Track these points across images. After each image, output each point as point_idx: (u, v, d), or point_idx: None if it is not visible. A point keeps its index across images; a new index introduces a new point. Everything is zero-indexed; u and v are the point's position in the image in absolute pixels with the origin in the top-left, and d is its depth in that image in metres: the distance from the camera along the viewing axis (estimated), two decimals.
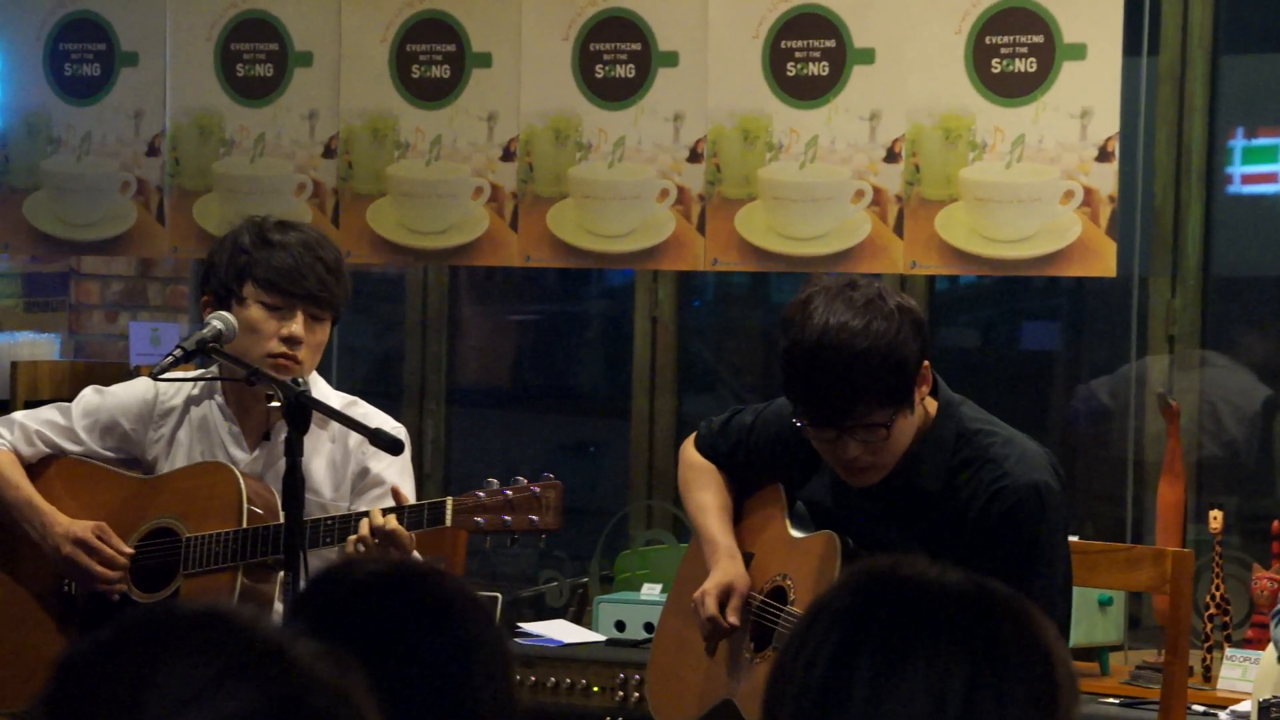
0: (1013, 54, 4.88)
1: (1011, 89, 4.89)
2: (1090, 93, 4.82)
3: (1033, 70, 4.87)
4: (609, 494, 5.79)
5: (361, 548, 3.63)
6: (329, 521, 3.70)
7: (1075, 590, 3.50)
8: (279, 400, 3.50)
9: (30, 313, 5.92)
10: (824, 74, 5.05)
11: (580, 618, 5.27)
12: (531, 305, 6.22)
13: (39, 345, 5.64)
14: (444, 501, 3.66)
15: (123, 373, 5.03)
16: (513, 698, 1.89)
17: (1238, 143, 5.26)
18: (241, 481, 3.80)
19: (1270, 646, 4.05)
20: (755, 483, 3.68)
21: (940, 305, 5.60)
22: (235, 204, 5.44)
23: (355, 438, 3.81)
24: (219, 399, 3.93)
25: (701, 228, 5.16)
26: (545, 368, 6.18)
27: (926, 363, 3.33)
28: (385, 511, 3.67)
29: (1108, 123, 4.81)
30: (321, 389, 3.90)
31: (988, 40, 4.90)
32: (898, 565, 1.69)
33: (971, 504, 3.35)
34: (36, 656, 3.89)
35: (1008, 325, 5.90)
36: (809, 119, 5.07)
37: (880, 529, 3.44)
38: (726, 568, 3.57)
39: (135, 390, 4.02)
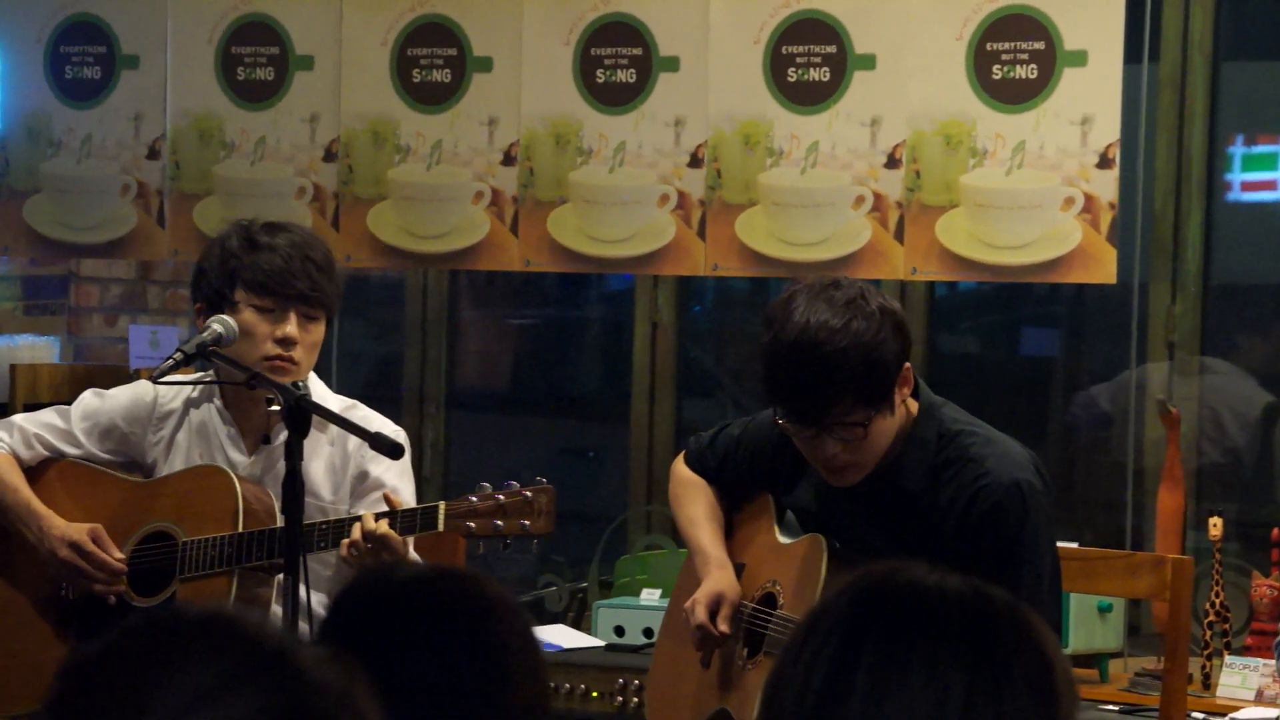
0: (1014, 60, 4.89)
1: (1012, 95, 4.90)
2: (1091, 99, 4.83)
3: (1033, 77, 4.88)
4: (608, 499, 5.79)
5: (354, 552, 3.64)
6: (323, 526, 3.71)
7: (1075, 597, 3.51)
8: (279, 404, 3.50)
9: (30, 315, 5.93)
10: (825, 80, 5.06)
11: (579, 623, 5.27)
12: (531, 310, 6.22)
13: (38, 348, 5.64)
14: (436, 506, 3.66)
15: (122, 376, 5.03)
16: (547, 700, 1.90)
17: (1238, 150, 5.27)
18: (238, 485, 3.80)
19: None
20: (745, 494, 3.70)
21: (940, 311, 5.61)
22: (235, 207, 5.44)
23: (355, 440, 3.81)
24: (218, 402, 3.94)
25: (702, 233, 5.17)
26: (545, 372, 6.18)
27: (908, 364, 3.35)
28: (378, 516, 3.67)
29: (1108, 129, 4.82)
30: (320, 391, 3.91)
31: (989, 46, 4.91)
32: (896, 571, 1.69)
33: (954, 504, 3.36)
34: (34, 660, 3.89)
35: (1008, 332, 5.90)
36: (810, 124, 5.08)
37: (865, 531, 3.45)
38: (717, 577, 3.58)
39: (134, 393, 4.02)
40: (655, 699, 3.81)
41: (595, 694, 4.84)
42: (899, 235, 4.99)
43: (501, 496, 3.65)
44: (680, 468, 3.76)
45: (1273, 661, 4.46)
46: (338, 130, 5.48)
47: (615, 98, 5.24)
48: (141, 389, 4.03)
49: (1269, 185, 5.29)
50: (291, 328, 3.80)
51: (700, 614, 3.54)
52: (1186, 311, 5.15)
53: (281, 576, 3.74)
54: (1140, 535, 5.08)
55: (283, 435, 3.55)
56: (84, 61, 5.71)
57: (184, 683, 1.40)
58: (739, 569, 3.64)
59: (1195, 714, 4.39)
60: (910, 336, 3.36)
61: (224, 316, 3.79)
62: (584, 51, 5.26)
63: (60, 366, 5.65)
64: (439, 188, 5.39)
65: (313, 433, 3.75)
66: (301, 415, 3.46)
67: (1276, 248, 5.28)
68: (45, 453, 4.00)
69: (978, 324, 5.96)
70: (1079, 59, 4.83)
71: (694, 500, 3.70)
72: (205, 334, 3.77)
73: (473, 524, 3.64)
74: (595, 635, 5.05)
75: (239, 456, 3.92)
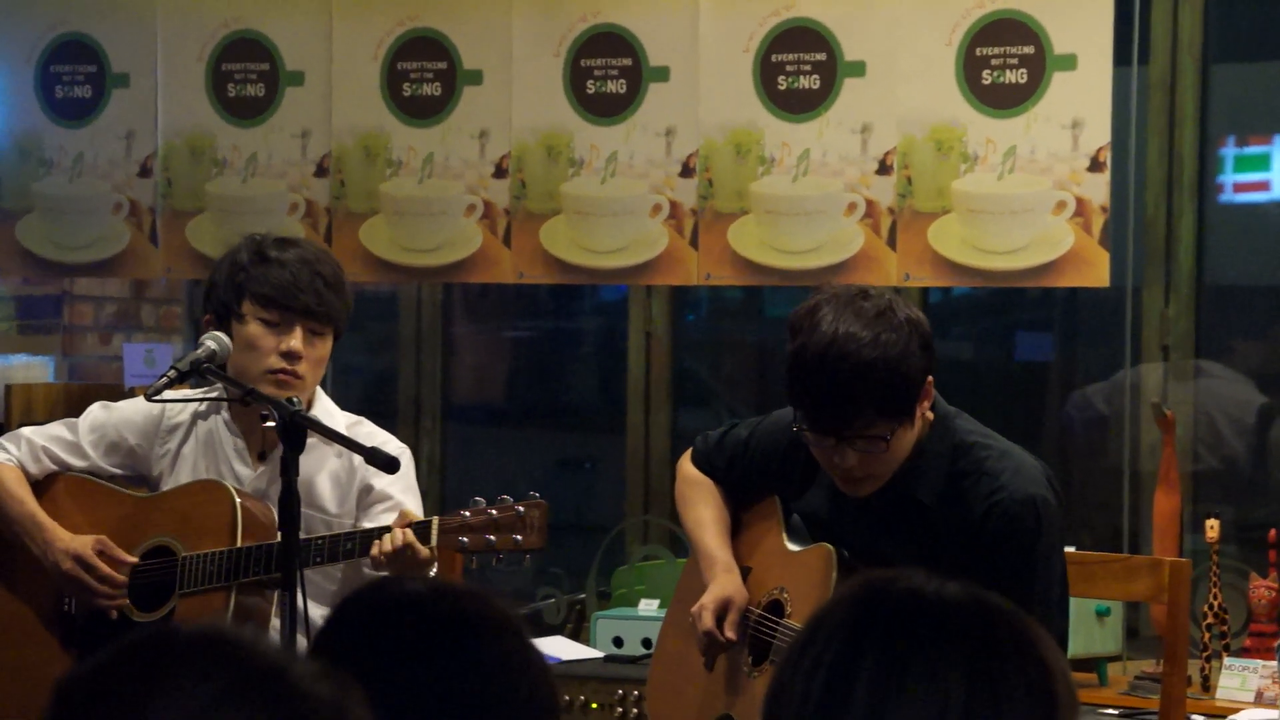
0: (1003, 65, 4.89)
1: (1002, 100, 4.90)
2: (1081, 103, 4.83)
3: (1023, 81, 4.88)
4: (605, 509, 5.79)
5: (383, 559, 3.64)
6: (319, 541, 3.70)
7: (1073, 600, 3.50)
8: (273, 420, 3.50)
9: (24, 335, 5.92)
10: (815, 87, 5.06)
11: (578, 634, 5.27)
12: (526, 322, 6.22)
13: (33, 367, 5.64)
14: (429, 521, 3.66)
15: (117, 394, 5.02)
16: (557, 715, 1.89)
17: (1229, 151, 5.27)
18: (236, 500, 3.80)
19: None
20: (752, 496, 3.68)
21: (934, 317, 5.58)
22: (228, 224, 5.44)
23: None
24: (225, 414, 3.94)
25: (694, 242, 5.17)
26: (540, 384, 6.18)
27: (930, 377, 3.33)
28: (380, 533, 3.66)
29: (1099, 133, 4.82)
30: (326, 406, 3.91)
31: (978, 52, 4.91)
32: (896, 578, 1.69)
33: (967, 517, 3.35)
34: (36, 675, 3.89)
35: (1002, 336, 5.90)
36: (800, 132, 5.08)
37: (876, 541, 3.44)
38: (724, 582, 3.57)
39: (142, 407, 4.02)
40: (657, 702, 3.80)
41: (595, 705, 4.84)
42: (891, 241, 4.99)
43: (494, 511, 3.64)
44: (687, 466, 3.73)
45: (1273, 663, 4.46)
46: (329, 145, 5.47)
47: (606, 108, 5.24)
48: (149, 403, 4.03)
49: (1261, 186, 5.29)
50: (296, 342, 3.80)
51: (708, 620, 3.52)
52: (1180, 314, 5.14)
53: (279, 591, 3.74)
54: (1137, 538, 5.08)
55: (279, 450, 3.54)
56: (75, 80, 5.71)
57: (180, 700, 1.40)
58: (745, 572, 3.62)
59: (1195, 716, 4.39)
60: (933, 348, 3.33)
61: (218, 333, 3.79)
62: (574, 63, 5.25)
63: (55, 385, 5.65)
64: (431, 201, 5.39)
65: (319, 445, 3.75)
66: (296, 431, 3.45)
67: (1269, 249, 5.28)
68: (52, 466, 4.00)
69: (971, 329, 5.96)
70: (1068, 63, 4.84)
71: (701, 501, 3.67)
72: (199, 350, 3.77)
73: (465, 539, 3.63)
74: (594, 646, 5.05)
75: (245, 469, 3.92)
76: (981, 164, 4.91)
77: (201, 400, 3.91)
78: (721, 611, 3.53)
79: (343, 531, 3.74)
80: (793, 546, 3.59)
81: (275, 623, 3.75)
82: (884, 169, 4.99)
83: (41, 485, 4.00)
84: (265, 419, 3.61)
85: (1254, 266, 5.31)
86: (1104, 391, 5.29)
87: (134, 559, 3.87)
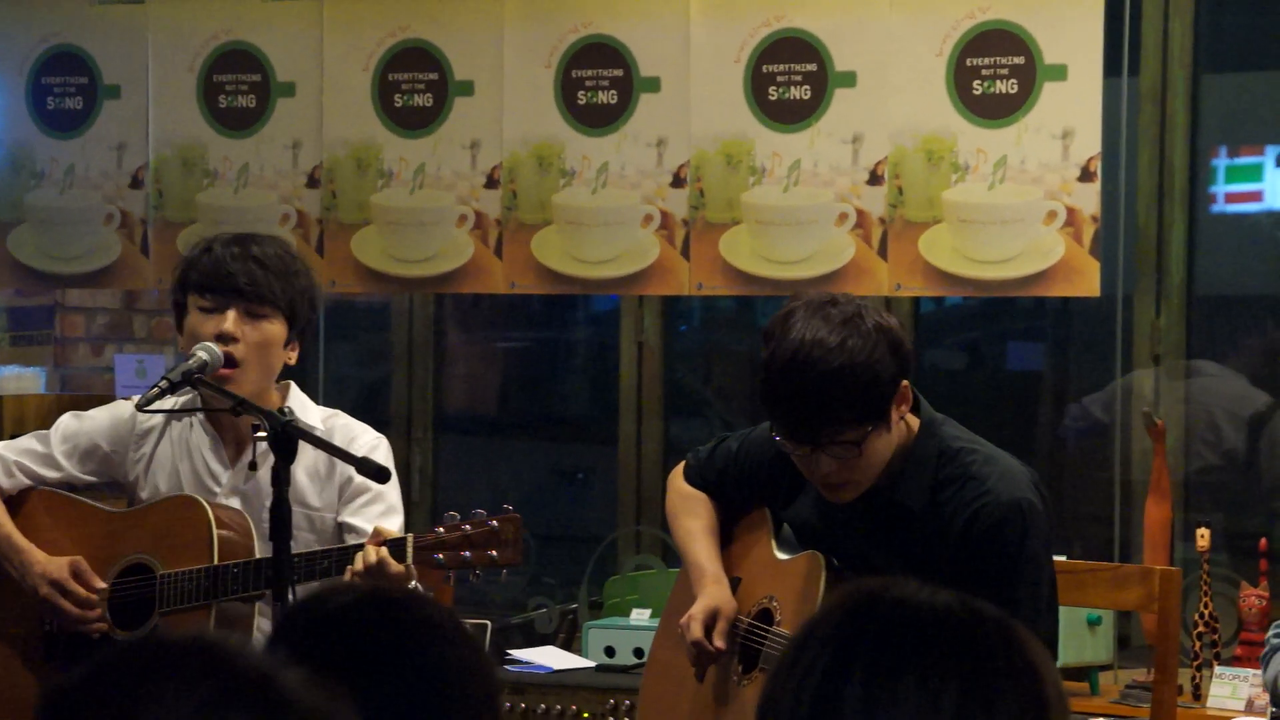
0: (994, 75, 4.90)
1: (993, 110, 4.91)
2: (1072, 113, 4.83)
3: (1014, 91, 4.89)
4: (597, 520, 5.79)
5: (359, 578, 3.62)
6: (295, 559, 3.66)
7: (1063, 610, 3.49)
8: (264, 430, 3.49)
9: (15, 346, 5.92)
10: (806, 97, 5.06)
11: (570, 644, 5.26)
12: (518, 332, 6.22)
13: (24, 379, 5.63)
14: (404, 539, 3.64)
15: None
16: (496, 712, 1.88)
17: (1221, 161, 5.28)
18: (210, 516, 3.78)
19: None
20: (743, 508, 3.69)
21: (926, 327, 5.61)
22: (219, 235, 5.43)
23: (338, 438, 3.80)
24: (199, 414, 3.92)
25: (686, 252, 5.17)
26: (532, 394, 6.18)
27: (906, 382, 3.33)
28: (380, 544, 3.64)
29: (1089, 143, 4.82)
30: (300, 401, 3.89)
31: (968, 62, 4.92)
32: (886, 587, 1.69)
33: (953, 522, 3.35)
34: (21, 697, 3.87)
35: (993, 346, 5.90)
36: (792, 142, 5.08)
37: (864, 547, 3.44)
38: (712, 592, 3.57)
39: (113, 412, 4.01)
40: (649, 713, 3.79)
41: (586, 715, 4.83)
42: (883, 251, 4.99)
43: (468, 527, 3.62)
44: (678, 481, 3.74)
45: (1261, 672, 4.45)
46: (320, 156, 5.47)
47: (597, 119, 5.24)
48: (120, 409, 4.01)
49: (1253, 197, 5.30)
50: (228, 324, 3.77)
51: (696, 630, 3.52)
52: (1171, 324, 5.15)
53: (260, 604, 3.72)
54: (1128, 547, 5.08)
55: (269, 459, 3.53)
56: (66, 92, 5.71)
57: (167, 708, 1.39)
58: (735, 583, 3.62)
59: None
60: (908, 354, 3.33)
61: (209, 344, 3.78)
62: (565, 74, 5.26)
63: (47, 397, 5.64)
64: (422, 212, 5.39)
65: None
66: (288, 441, 3.44)
67: (1261, 259, 5.28)
68: (27, 481, 3.97)
69: (963, 339, 5.96)
70: (1059, 73, 4.84)
71: (691, 513, 3.68)
72: (191, 361, 3.75)
73: (441, 555, 3.62)
74: (586, 656, 5.05)
75: (221, 469, 3.90)
76: (972, 174, 4.92)
77: (183, 412, 3.89)
78: (710, 622, 3.53)
79: (322, 549, 3.72)
80: (782, 555, 3.59)
81: (261, 620, 3.75)
82: (875, 179, 4.99)
83: (16, 502, 3.97)
84: (256, 429, 3.60)
85: (1246, 276, 5.32)
86: (1101, 401, 5.29)
87: (105, 585, 3.85)
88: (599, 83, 5.23)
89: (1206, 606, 4.67)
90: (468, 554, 3.61)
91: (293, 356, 3.89)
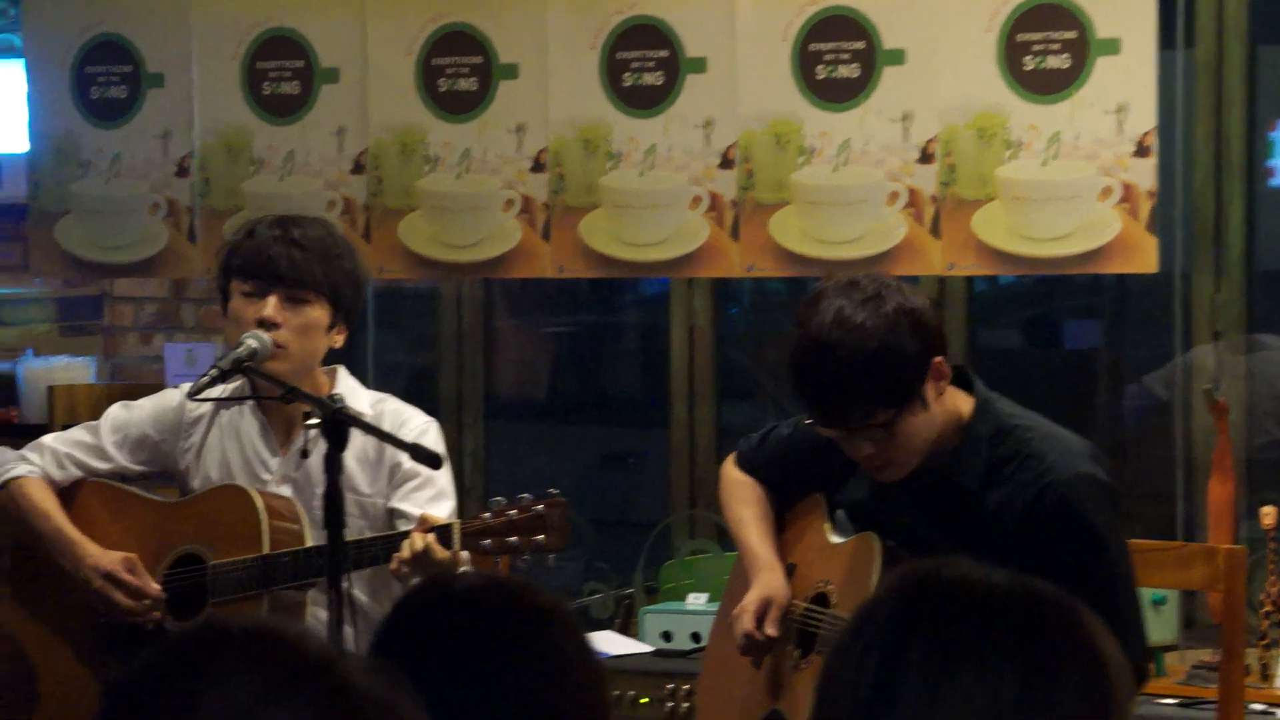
0: (1045, 51, 4.88)
1: (1045, 86, 4.89)
2: (1126, 88, 4.81)
3: (1066, 66, 4.86)
4: (650, 504, 5.79)
5: (404, 568, 3.64)
6: (355, 546, 3.68)
7: None
8: (315, 416, 3.50)
9: (65, 336, 5.96)
10: (854, 76, 5.05)
11: (626, 629, 5.27)
12: (567, 316, 6.23)
13: (74, 369, 5.66)
14: (450, 525, 3.65)
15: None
16: (607, 710, 1.90)
17: (1278, 134, 5.25)
18: (259, 505, 3.79)
19: None
20: (796, 494, 3.69)
21: (981, 306, 5.59)
22: None
23: (388, 422, 3.81)
24: (249, 401, 3.93)
25: (735, 234, 5.16)
26: (582, 379, 6.19)
27: (938, 359, 3.31)
28: (427, 531, 3.65)
29: (1144, 117, 4.80)
30: (349, 386, 3.90)
31: (1019, 38, 4.90)
32: (942, 566, 1.69)
33: (1014, 501, 3.34)
34: (77, 689, 3.89)
35: (1049, 325, 5.89)
36: (841, 122, 5.07)
37: (919, 528, 3.44)
38: (765, 580, 3.57)
39: (163, 401, 4.02)
40: (706, 702, 3.81)
41: (644, 700, 4.85)
42: (935, 230, 4.98)
43: (514, 512, 3.63)
44: (730, 469, 3.75)
45: None
46: (365, 142, 5.49)
47: (643, 100, 5.24)
48: (168, 397, 4.03)
49: None
50: (269, 309, 3.78)
51: (747, 622, 3.53)
52: (1230, 299, 5.12)
53: (312, 591, 3.74)
54: (1192, 526, 5.05)
55: (320, 446, 3.54)
56: (110, 81, 5.73)
57: (229, 697, 1.41)
58: (790, 569, 3.63)
59: (1254, 705, 4.37)
60: (934, 331, 3.31)
61: (259, 332, 3.80)
62: (610, 55, 5.26)
63: (97, 386, 5.67)
64: (469, 197, 5.40)
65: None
66: (339, 428, 3.46)
67: None
68: (78, 472, 3.99)
69: (1019, 318, 5.94)
70: (1112, 47, 4.82)
71: (743, 501, 3.69)
72: (240, 349, 3.77)
73: (487, 542, 3.63)
74: (642, 641, 5.07)
75: (271, 456, 3.92)
76: (1025, 150, 4.90)
77: (233, 400, 3.91)
78: (762, 610, 3.54)
79: (369, 537, 3.73)
80: (836, 539, 3.59)
81: (313, 617, 3.77)
82: (926, 157, 4.97)
83: (68, 494, 4.00)
84: (308, 417, 3.62)
85: None
86: (1161, 379, 5.26)
87: (158, 586, 3.88)
88: (645, 64, 5.23)
89: (1273, 585, 4.65)
90: (514, 539, 3.62)
91: (339, 340, 3.90)
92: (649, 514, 5.72)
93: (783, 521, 3.71)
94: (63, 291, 6.03)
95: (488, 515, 3.64)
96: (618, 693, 4.87)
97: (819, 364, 3.25)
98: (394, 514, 3.86)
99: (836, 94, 5.06)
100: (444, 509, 3.82)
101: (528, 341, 6.23)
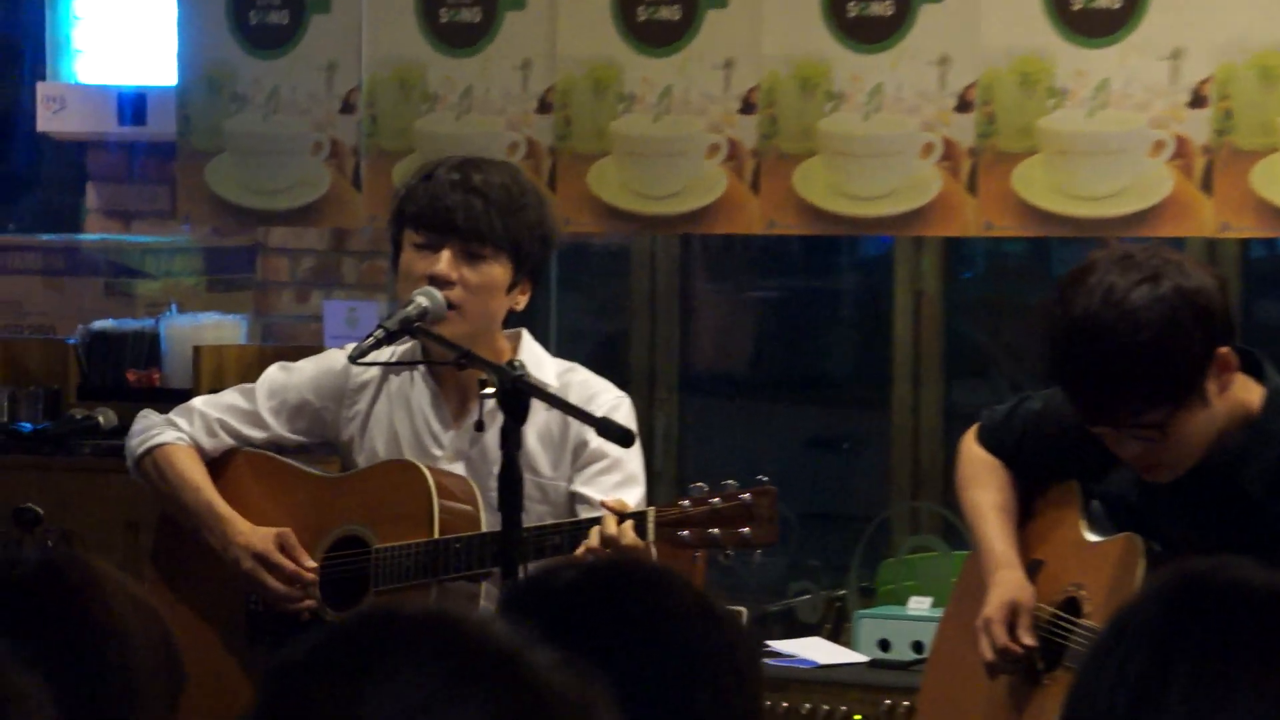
0: None
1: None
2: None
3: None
4: (868, 495, 5.77)
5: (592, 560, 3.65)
6: (536, 533, 3.69)
7: None
8: (493, 386, 3.52)
9: (213, 292, 6.04)
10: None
11: (837, 635, 5.26)
12: (775, 280, 6.21)
13: (224, 328, 5.74)
14: (645, 513, 3.65)
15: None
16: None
17: None
18: (432, 485, 3.82)
19: None
20: (1047, 480, 3.65)
21: (1257, 275, 5.50)
22: None
23: (574, 395, 3.81)
24: (420, 366, 3.95)
25: (972, 186, 5.12)
26: (792, 351, 6.17)
27: (1224, 349, 3.26)
28: (621, 519, 3.65)
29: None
30: (534, 353, 3.91)
31: None
32: (1217, 568, 1.66)
33: None
34: (221, 684, 3.94)
35: None
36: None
37: (1193, 534, 3.39)
38: (1007, 581, 3.55)
39: (325, 364, 4.06)
40: (931, 709, 3.79)
41: (857, 717, 4.84)
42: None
43: (717, 500, 3.62)
44: (971, 446, 3.70)
45: None
46: (553, 78, 5.51)
47: (870, 35, 5.20)
48: (331, 360, 4.06)
49: None
50: (442, 264, 3.81)
51: (999, 634, 3.48)
52: None
53: (486, 584, 3.77)
54: None
55: (497, 419, 3.56)
56: (270, 6, 5.80)
57: (400, 690, 1.41)
58: (1036, 566, 3.61)
59: None
60: (1220, 317, 3.27)
61: (431, 289, 3.82)
62: None
63: (249, 348, 5.74)
64: (669, 141, 5.40)
65: None
66: (519, 398, 3.48)
67: None
68: (230, 440, 4.05)
69: None
70: None
71: (983, 484, 3.65)
72: (410, 308, 3.80)
73: (686, 533, 3.63)
74: (856, 650, 5.05)
75: (442, 429, 3.93)
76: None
77: (401, 365, 3.93)
78: (1011, 618, 3.50)
79: (549, 523, 3.74)
80: (1092, 537, 3.56)
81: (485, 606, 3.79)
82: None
83: (219, 465, 4.06)
84: (483, 386, 3.64)
85: None
86: None
87: (314, 564, 3.91)
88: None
89: None
90: (716, 531, 3.62)
91: (521, 301, 3.92)
92: (865, 506, 5.69)
93: (1029, 510, 3.66)
94: (211, 241, 6.11)
95: (687, 503, 3.64)
96: (827, 708, 4.86)
97: (1083, 353, 3.22)
98: (576, 499, 3.88)
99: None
100: (633, 496, 3.83)
101: (730, 307, 6.23)
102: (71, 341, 5.71)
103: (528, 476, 3.74)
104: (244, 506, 4.01)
